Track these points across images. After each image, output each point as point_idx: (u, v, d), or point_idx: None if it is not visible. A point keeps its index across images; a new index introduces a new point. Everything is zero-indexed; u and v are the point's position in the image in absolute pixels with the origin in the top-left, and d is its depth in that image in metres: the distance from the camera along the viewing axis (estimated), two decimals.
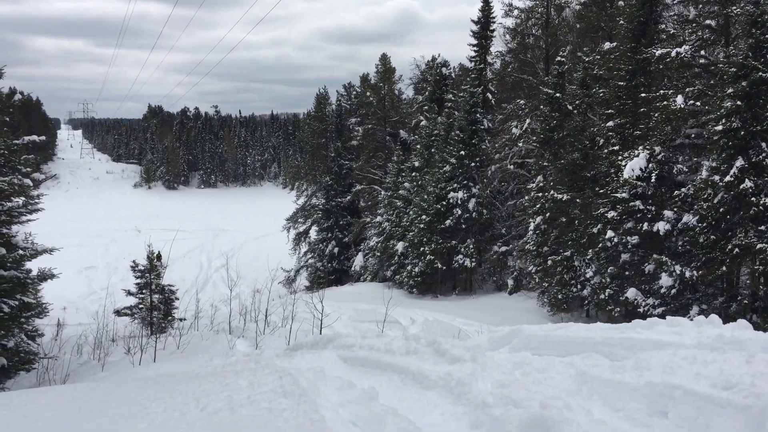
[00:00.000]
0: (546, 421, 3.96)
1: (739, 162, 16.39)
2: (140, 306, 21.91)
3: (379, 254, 34.95)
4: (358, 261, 38.63)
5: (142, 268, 21.46)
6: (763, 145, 16.49)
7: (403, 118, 46.86)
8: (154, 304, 21.24)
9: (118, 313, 21.96)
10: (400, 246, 32.13)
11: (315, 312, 15.13)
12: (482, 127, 30.39)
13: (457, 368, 6.00)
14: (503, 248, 29.82)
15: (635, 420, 4.39)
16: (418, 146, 35.96)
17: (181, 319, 22.06)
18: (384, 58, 47.73)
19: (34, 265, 15.78)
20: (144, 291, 21.64)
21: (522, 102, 31.82)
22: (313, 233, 46.80)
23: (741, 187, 16.18)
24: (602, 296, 19.89)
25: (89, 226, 71.43)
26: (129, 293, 22.18)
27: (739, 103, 16.60)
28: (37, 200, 15.70)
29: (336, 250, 42.44)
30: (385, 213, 36.01)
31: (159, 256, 25.31)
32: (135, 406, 5.49)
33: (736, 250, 16.34)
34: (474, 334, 14.48)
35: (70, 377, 12.66)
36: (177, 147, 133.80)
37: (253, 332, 14.85)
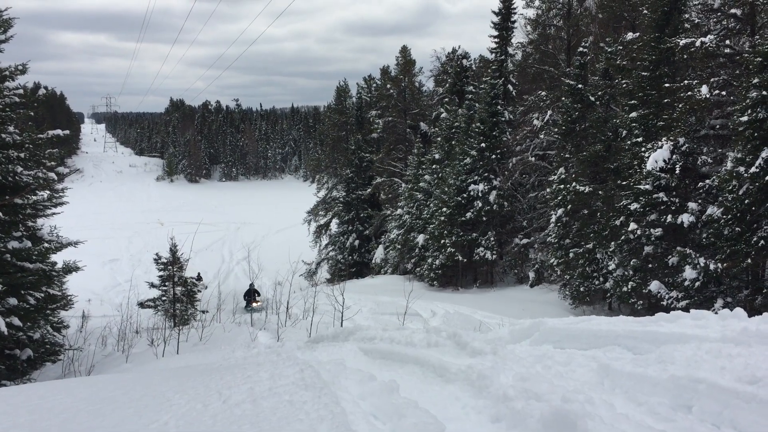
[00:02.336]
0: (568, 414, 3.94)
1: (765, 153, 16.12)
2: (163, 298, 22.15)
3: (399, 247, 34.95)
4: (379, 253, 38.68)
5: (165, 260, 21.67)
6: None
7: (424, 110, 46.74)
8: (177, 297, 21.44)
9: (141, 305, 22.23)
10: (420, 238, 32.10)
11: (336, 304, 15.19)
12: (503, 119, 30.22)
13: (478, 361, 5.99)
14: (524, 241, 29.67)
15: (658, 414, 4.35)
16: (439, 138, 35.86)
17: (203, 311, 22.27)
18: (404, 50, 47.59)
19: (59, 258, 15.99)
20: (167, 283, 21.85)
21: (543, 93, 31.58)
22: (333, 226, 46.94)
23: (767, 178, 15.92)
24: (625, 289, 19.73)
25: (113, 219, 72.24)
26: (152, 285, 22.43)
27: (764, 93, 16.31)
28: (61, 194, 15.89)
29: (356, 242, 42.51)
30: (405, 205, 36.00)
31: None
32: (158, 397, 5.55)
33: (762, 242, 16.10)
34: (495, 326, 14.44)
35: (95, 368, 12.82)
36: (198, 140, 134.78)
37: (274, 324, 14.93)
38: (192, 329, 15.79)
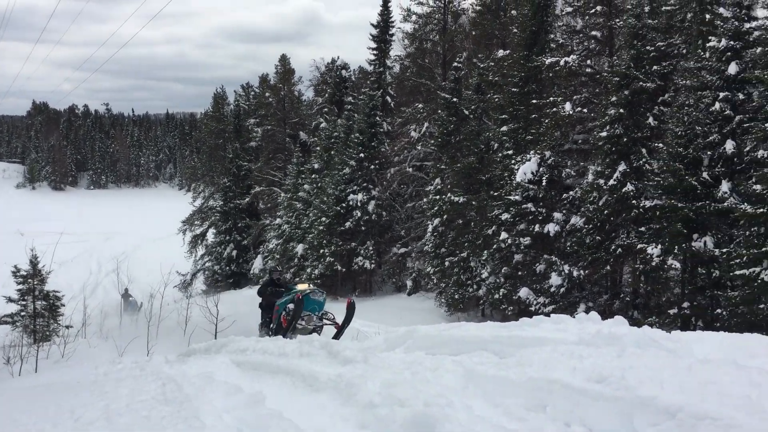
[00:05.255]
0: (428, 418, 4.03)
1: (622, 166, 17.31)
2: (22, 313, 20.70)
3: (278, 257, 34.55)
4: (257, 264, 38.03)
5: (24, 273, 20.28)
6: (643, 150, 17.50)
7: (303, 119, 46.60)
8: (38, 311, 20.12)
9: None
10: (299, 248, 31.90)
11: (210, 316, 14.83)
12: (381, 130, 30.64)
13: (348, 369, 6.00)
14: (402, 250, 30.14)
15: (513, 414, 4.53)
16: (318, 148, 35.86)
17: (67, 327, 21.01)
18: (284, 59, 47.33)
19: None
20: (26, 297, 20.45)
21: (420, 106, 32.30)
22: (210, 236, 45.68)
23: (623, 190, 17.09)
24: (497, 296, 20.46)
25: None
26: (9, 300, 20.92)
27: (621, 110, 17.54)
28: None
29: (234, 252, 41.59)
30: (284, 215, 35.67)
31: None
32: (4, 418, 5.16)
33: (619, 250, 17.24)
34: (372, 335, 14.52)
35: None
36: (64, 146, 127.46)
37: (145, 338, 14.32)
38: (54, 345, 14.87)
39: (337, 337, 12.69)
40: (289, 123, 46.17)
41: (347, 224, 29.14)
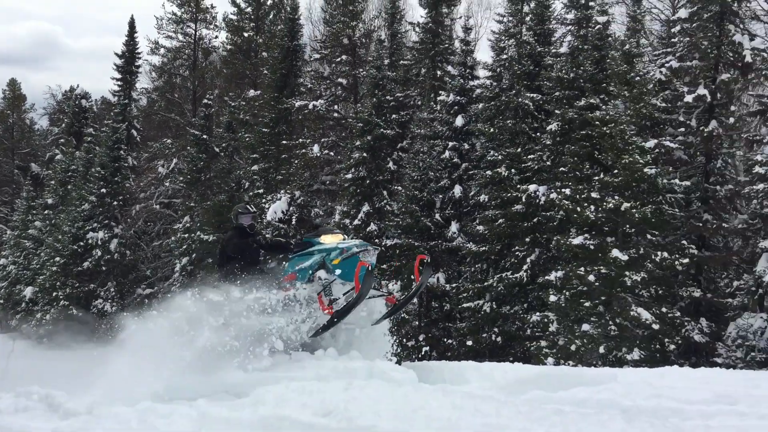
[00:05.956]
0: None
1: (366, 207, 18.32)
2: None
3: (2, 301, 31.03)
4: None
5: None
6: (385, 192, 18.70)
7: (36, 150, 42.78)
8: None
9: None
10: (28, 291, 28.98)
11: None
12: (126, 164, 29.17)
13: (68, 424, 5.52)
14: (148, 290, 28.62)
15: None
16: (53, 182, 33.14)
17: None
18: (13, 84, 43.27)
19: None
20: None
21: (169, 141, 31.28)
22: None
23: (368, 229, 18.04)
24: None
25: None
26: None
27: (365, 154, 18.63)
28: None
29: None
30: (10, 254, 32.33)
31: None
32: None
33: None
34: None
35: None
36: None
37: None
38: None
39: (390, 315, 7.90)
40: (18, 153, 42.05)
41: (86, 264, 27.08)
